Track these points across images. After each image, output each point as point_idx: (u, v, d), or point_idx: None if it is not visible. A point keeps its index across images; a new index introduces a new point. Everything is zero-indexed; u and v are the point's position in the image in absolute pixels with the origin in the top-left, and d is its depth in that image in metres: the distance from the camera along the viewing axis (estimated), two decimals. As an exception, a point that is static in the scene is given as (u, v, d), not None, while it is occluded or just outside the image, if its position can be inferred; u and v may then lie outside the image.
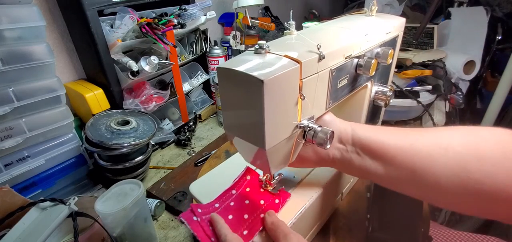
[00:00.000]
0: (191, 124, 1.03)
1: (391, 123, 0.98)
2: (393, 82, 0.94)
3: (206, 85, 1.17)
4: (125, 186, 0.55)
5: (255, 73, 0.32)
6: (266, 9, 1.48)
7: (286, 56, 0.36)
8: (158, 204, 0.66)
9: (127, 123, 0.76)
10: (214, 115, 1.15)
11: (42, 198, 0.53)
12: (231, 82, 0.37)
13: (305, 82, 0.38)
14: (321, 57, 0.39)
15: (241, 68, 0.34)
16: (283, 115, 0.37)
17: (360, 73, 0.51)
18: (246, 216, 0.45)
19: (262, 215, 0.45)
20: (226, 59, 1.09)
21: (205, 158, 0.84)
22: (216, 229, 0.42)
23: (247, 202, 0.48)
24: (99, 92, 0.78)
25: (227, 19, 1.26)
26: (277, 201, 0.47)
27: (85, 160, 0.78)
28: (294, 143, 0.42)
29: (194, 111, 1.08)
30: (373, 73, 0.49)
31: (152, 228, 0.60)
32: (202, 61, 1.09)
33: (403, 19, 0.63)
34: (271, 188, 0.50)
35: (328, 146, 0.39)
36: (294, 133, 0.40)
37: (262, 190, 0.50)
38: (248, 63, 0.35)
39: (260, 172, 0.53)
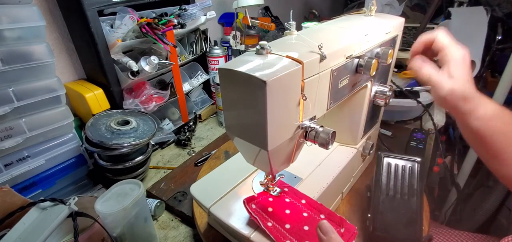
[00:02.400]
0: (191, 123, 1.03)
1: (391, 122, 0.98)
2: (393, 82, 0.94)
3: (206, 85, 1.16)
4: (125, 186, 0.55)
5: (257, 74, 0.32)
6: (266, 9, 1.47)
7: (287, 56, 0.36)
8: (158, 204, 0.66)
9: (127, 122, 0.76)
10: (214, 115, 1.15)
11: (42, 198, 0.53)
12: (233, 83, 0.37)
13: (307, 82, 0.38)
14: (322, 58, 0.39)
15: (243, 69, 0.34)
16: (285, 116, 0.37)
17: (361, 73, 0.51)
18: (306, 228, 0.44)
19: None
20: (226, 59, 1.09)
21: (205, 158, 0.84)
22: None
23: (305, 214, 0.46)
24: (99, 92, 0.78)
25: (227, 19, 1.26)
26: (342, 230, 0.44)
27: (85, 160, 0.78)
28: (295, 143, 0.42)
29: (194, 111, 1.08)
30: (374, 73, 0.49)
31: (152, 228, 0.60)
32: (202, 61, 1.09)
33: (402, 19, 0.63)
34: (273, 191, 0.50)
35: (330, 146, 0.39)
36: (296, 134, 0.40)
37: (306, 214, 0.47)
38: (250, 64, 0.35)
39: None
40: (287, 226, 0.44)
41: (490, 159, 0.49)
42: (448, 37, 0.49)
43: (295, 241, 0.42)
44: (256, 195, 0.49)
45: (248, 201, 0.47)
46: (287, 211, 0.47)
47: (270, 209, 0.47)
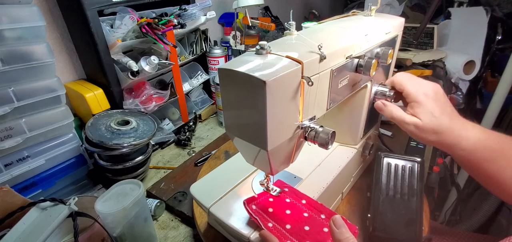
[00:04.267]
0: (191, 123, 1.03)
1: (391, 122, 0.98)
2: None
3: (206, 85, 1.16)
4: (125, 186, 0.55)
5: (257, 74, 0.32)
6: (266, 9, 1.47)
7: (287, 56, 0.36)
8: (158, 204, 0.66)
9: (127, 122, 0.76)
10: (214, 115, 1.15)
11: (42, 198, 0.53)
12: (232, 83, 0.37)
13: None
14: (322, 58, 0.39)
15: (243, 69, 0.34)
16: (285, 116, 0.37)
17: (361, 73, 0.51)
18: (306, 228, 0.44)
19: (325, 229, 0.43)
20: (226, 59, 1.09)
21: (205, 158, 0.84)
22: None
23: (306, 214, 0.47)
24: (99, 92, 0.78)
25: (227, 19, 1.26)
26: None
27: (85, 160, 0.78)
28: (295, 143, 0.42)
29: (194, 111, 1.08)
30: (374, 73, 0.49)
31: (152, 228, 0.60)
32: (202, 61, 1.09)
33: (402, 19, 0.63)
34: (273, 191, 0.50)
35: (330, 146, 0.39)
36: (295, 134, 0.40)
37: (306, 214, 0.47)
38: (249, 64, 0.35)
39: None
40: (288, 226, 0.44)
41: (486, 184, 0.48)
42: (406, 77, 0.50)
43: (295, 241, 0.42)
44: (256, 196, 0.49)
45: (248, 202, 0.47)
46: (288, 211, 0.47)
47: (270, 210, 0.47)
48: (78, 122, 0.83)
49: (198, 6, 0.91)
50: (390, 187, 0.55)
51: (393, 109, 0.49)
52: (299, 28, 0.50)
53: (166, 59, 0.89)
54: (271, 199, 0.49)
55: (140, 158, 0.75)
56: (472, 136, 0.45)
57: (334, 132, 0.39)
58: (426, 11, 1.14)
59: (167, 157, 0.91)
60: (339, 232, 0.36)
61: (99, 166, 0.74)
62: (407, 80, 0.50)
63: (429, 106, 0.46)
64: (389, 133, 0.92)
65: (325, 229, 0.44)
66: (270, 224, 0.44)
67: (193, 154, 0.90)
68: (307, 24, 0.90)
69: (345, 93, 0.51)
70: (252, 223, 0.45)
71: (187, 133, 0.98)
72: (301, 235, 0.43)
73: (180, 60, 0.98)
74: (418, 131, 0.46)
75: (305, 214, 0.46)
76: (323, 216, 0.46)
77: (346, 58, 0.46)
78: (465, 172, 1.15)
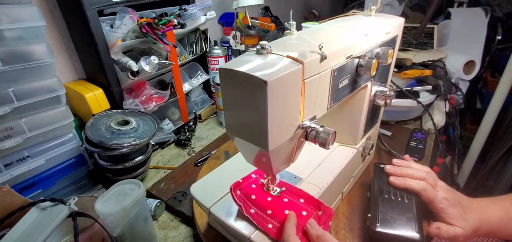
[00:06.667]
0: (191, 123, 1.03)
1: (391, 122, 0.98)
2: (393, 82, 0.94)
3: (206, 85, 1.16)
4: (125, 186, 0.55)
5: (258, 74, 0.32)
6: (266, 9, 1.47)
7: (288, 56, 0.36)
8: (158, 204, 0.66)
9: (127, 122, 0.75)
10: (214, 115, 1.15)
11: (42, 198, 0.53)
12: (233, 83, 0.37)
13: (308, 82, 0.38)
14: (323, 58, 0.39)
15: (243, 69, 0.34)
16: (285, 116, 0.37)
17: (361, 73, 0.51)
18: (286, 212, 0.46)
19: (304, 213, 0.46)
20: (226, 59, 1.09)
21: (205, 158, 0.84)
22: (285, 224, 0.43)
23: (285, 200, 0.49)
24: (99, 92, 0.78)
25: (227, 19, 1.26)
26: (320, 213, 0.47)
27: (85, 160, 0.78)
28: (296, 143, 0.42)
29: (194, 111, 1.08)
30: (374, 73, 0.49)
31: (152, 228, 0.60)
32: (202, 61, 1.09)
33: (402, 19, 0.63)
34: (273, 192, 0.51)
35: (330, 146, 0.39)
36: (296, 133, 0.40)
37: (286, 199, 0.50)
38: (250, 64, 0.35)
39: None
40: (269, 211, 0.46)
41: None
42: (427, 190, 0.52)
43: (276, 224, 0.44)
44: (241, 181, 0.51)
45: (234, 188, 0.50)
46: (269, 199, 0.49)
47: (253, 197, 0.49)
48: (78, 122, 0.83)
49: (198, 6, 0.91)
50: (390, 187, 0.55)
51: (448, 230, 0.50)
52: (299, 28, 0.50)
53: (166, 59, 0.89)
54: (253, 185, 0.52)
55: (140, 158, 0.75)
56: (493, 216, 0.50)
57: (334, 132, 0.39)
58: (426, 11, 1.14)
59: (167, 157, 0.91)
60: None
61: (99, 166, 0.74)
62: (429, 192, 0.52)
63: (454, 213, 0.49)
64: (389, 133, 0.92)
65: (304, 213, 0.46)
66: (252, 210, 0.47)
67: (193, 154, 0.90)
68: (307, 24, 0.90)
69: (346, 93, 0.51)
70: (252, 223, 0.46)
71: (187, 133, 0.98)
72: (281, 219, 0.45)
73: (180, 60, 0.98)
74: (466, 238, 0.49)
75: (285, 200, 0.49)
76: (301, 200, 0.48)
77: (347, 58, 0.46)
78: (465, 172, 1.16)
